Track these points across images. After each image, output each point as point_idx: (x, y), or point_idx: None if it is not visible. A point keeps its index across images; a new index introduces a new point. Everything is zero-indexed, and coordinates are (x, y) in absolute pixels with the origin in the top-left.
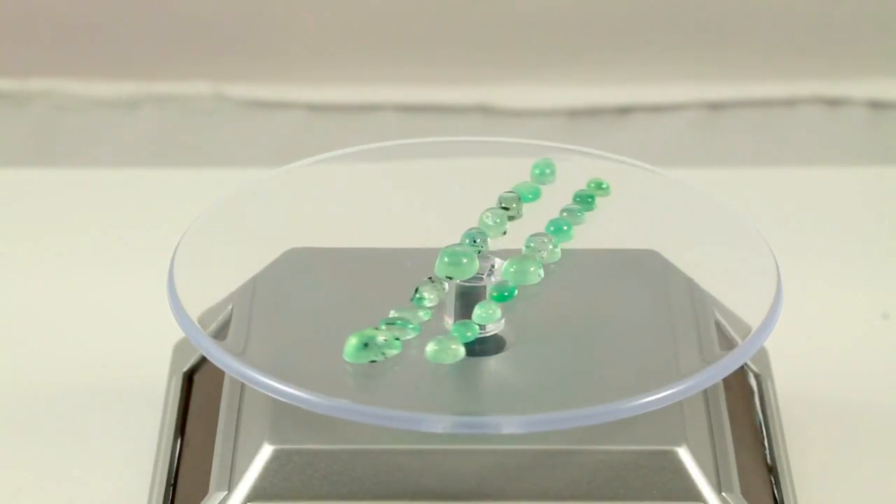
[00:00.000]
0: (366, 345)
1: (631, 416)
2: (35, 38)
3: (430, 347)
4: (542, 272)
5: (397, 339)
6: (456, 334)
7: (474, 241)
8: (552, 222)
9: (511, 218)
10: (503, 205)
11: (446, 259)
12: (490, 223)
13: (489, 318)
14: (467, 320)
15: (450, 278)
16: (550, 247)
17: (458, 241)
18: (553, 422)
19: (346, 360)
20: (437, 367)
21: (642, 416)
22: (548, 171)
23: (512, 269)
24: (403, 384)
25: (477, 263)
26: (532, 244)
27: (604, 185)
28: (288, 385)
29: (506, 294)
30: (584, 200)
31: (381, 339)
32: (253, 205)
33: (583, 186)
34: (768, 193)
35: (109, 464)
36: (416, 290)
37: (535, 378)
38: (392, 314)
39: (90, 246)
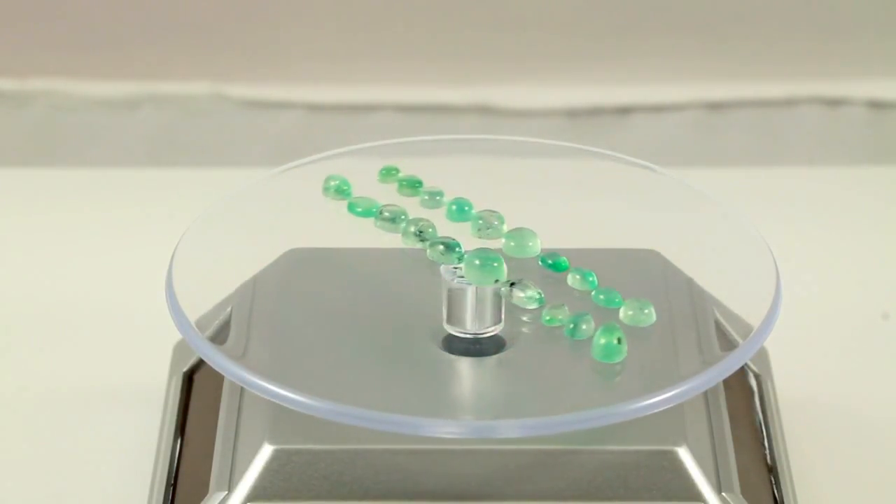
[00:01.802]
0: (619, 340)
1: (631, 418)
2: (35, 38)
3: (624, 311)
4: (539, 244)
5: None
6: (618, 299)
7: (449, 245)
8: (452, 203)
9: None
10: (391, 216)
11: (477, 262)
12: (423, 231)
13: (593, 283)
14: (609, 288)
15: (497, 280)
16: (496, 222)
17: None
18: (553, 425)
19: (605, 360)
20: (436, 370)
21: (642, 417)
22: (345, 187)
23: (512, 244)
24: (403, 386)
25: (504, 263)
26: (480, 221)
27: (394, 171)
28: (287, 389)
29: (562, 264)
30: (413, 185)
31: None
32: (253, 205)
33: (373, 182)
34: (768, 193)
35: (109, 464)
36: (532, 299)
37: (535, 379)
38: (553, 315)
39: (90, 246)
